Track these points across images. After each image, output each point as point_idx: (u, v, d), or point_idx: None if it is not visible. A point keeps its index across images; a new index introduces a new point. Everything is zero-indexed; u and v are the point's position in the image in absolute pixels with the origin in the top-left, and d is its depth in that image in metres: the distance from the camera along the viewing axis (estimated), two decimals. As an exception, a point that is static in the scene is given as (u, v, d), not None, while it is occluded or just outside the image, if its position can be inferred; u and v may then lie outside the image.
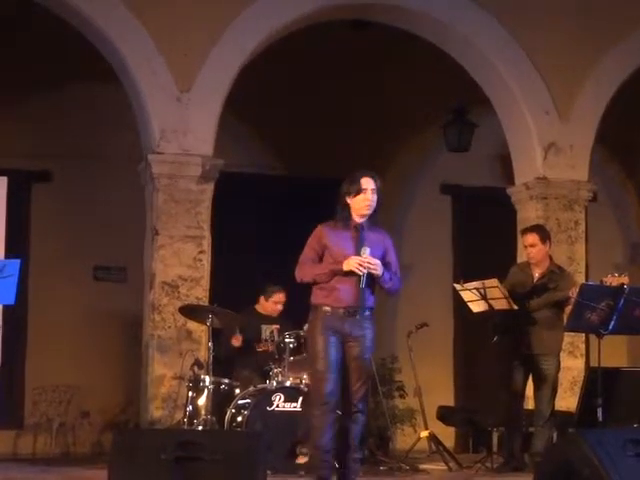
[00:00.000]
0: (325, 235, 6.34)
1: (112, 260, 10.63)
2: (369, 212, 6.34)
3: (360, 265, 6.19)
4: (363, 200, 6.31)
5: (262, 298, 8.85)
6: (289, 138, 11.00)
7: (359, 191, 6.32)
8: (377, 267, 6.23)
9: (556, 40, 9.81)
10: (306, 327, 8.20)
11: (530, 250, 8.20)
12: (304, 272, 6.34)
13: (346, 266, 6.21)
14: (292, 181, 11.07)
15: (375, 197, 6.34)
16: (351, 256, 6.22)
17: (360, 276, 6.22)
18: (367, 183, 6.34)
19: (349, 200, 6.35)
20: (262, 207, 10.93)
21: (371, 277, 6.27)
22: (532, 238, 8.21)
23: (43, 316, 10.36)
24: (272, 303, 8.82)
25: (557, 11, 9.83)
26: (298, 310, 8.67)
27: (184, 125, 8.95)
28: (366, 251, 6.22)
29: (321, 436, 6.21)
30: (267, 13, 9.16)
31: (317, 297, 6.34)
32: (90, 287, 10.60)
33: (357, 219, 6.35)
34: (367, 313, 6.33)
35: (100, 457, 9.12)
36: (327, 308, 6.27)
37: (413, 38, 9.86)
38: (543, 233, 8.29)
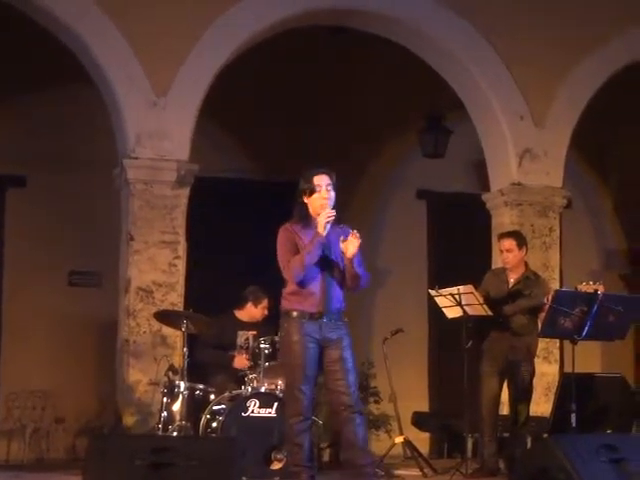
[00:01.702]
0: (295, 233, 6.21)
1: (87, 265, 10.59)
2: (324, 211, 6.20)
3: (331, 214, 6.09)
4: (319, 199, 6.19)
5: (250, 304, 8.77)
6: (265, 142, 11.00)
7: (313, 190, 6.20)
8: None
9: (531, 47, 9.85)
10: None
11: (506, 255, 8.23)
12: (295, 266, 6.12)
13: (321, 227, 6.08)
14: (268, 185, 11.07)
15: (332, 194, 6.21)
16: (321, 251, 6.12)
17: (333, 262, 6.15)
18: (321, 180, 6.21)
19: (306, 200, 6.24)
20: (239, 212, 10.92)
21: (342, 272, 6.20)
22: (509, 243, 8.23)
23: (17, 321, 10.32)
24: (261, 308, 8.79)
25: (532, 18, 9.87)
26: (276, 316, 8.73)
27: (160, 130, 8.93)
28: (329, 206, 6.15)
29: (304, 453, 6.13)
30: (244, 18, 9.16)
31: (291, 303, 6.22)
32: (65, 292, 10.56)
33: (316, 217, 6.20)
34: (341, 315, 6.25)
35: (74, 463, 9.09)
36: (303, 314, 6.17)
37: (389, 44, 9.88)
38: (520, 239, 8.32)
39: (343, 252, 6.18)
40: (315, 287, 6.18)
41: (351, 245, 6.14)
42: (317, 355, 6.18)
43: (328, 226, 6.15)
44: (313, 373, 6.17)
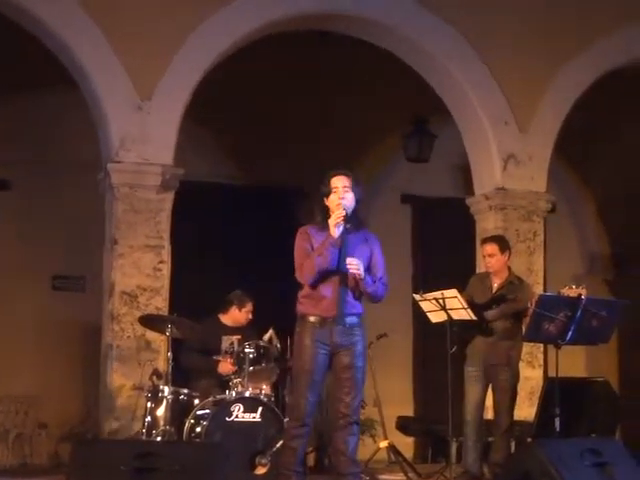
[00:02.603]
0: (311, 236, 6.21)
1: (71, 269, 10.57)
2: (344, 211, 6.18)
3: (339, 215, 6.07)
4: (335, 200, 6.18)
5: (234, 308, 8.77)
6: (250, 147, 11.00)
7: (330, 191, 6.20)
8: (358, 266, 6.10)
9: (516, 53, 9.87)
10: (266, 337, 8.26)
11: (489, 260, 8.23)
12: (307, 268, 6.12)
13: (332, 230, 6.06)
14: (253, 190, 11.08)
15: (350, 195, 6.19)
16: (335, 259, 6.10)
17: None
18: (337, 181, 6.20)
19: (326, 202, 6.23)
20: (222, 216, 10.92)
21: (354, 282, 6.17)
22: (491, 248, 8.23)
23: (0, 326, 10.27)
24: (245, 312, 8.79)
25: (517, 25, 9.89)
26: (260, 320, 8.73)
27: (144, 134, 8.91)
28: (346, 206, 6.12)
29: (297, 459, 6.12)
30: (229, 22, 9.15)
31: (304, 307, 6.21)
32: (48, 296, 10.53)
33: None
34: (355, 320, 6.21)
35: (58, 468, 9.07)
36: (315, 318, 6.14)
37: (373, 47, 9.89)
38: (502, 243, 8.32)
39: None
40: (328, 291, 6.15)
41: (354, 271, 6.13)
42: (327, 361, 6.15)
43: (340, 228, 6.12)
44: (320, 379, 6.14)
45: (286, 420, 7.98)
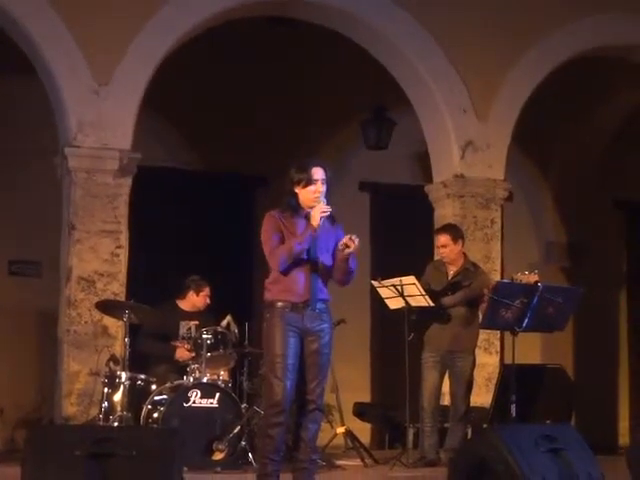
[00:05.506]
0: (280, 221, 6.11)
1: (27, 254, 10.50)
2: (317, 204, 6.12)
3: (325, 209, 6.02)
4: (313, 192, 6.09)
5: (192, 292, 8.74)
6: (207, 133, 10.97)
7: (309, 181, 6.09)
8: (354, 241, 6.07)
9: (475, 42, 9.90)
10: (224, 323, 8.24)
11: (443, 250, 8.25)
12: (283, 254, 6.04)
13: (315, 221, 6.00)
14: (210, 176, 11.06)
15: (325, 188, 6.12)
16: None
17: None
18: (318, 173, 6.10)
19: (297, 190, 6.13)
20: (180, 202, 10.90)
21: (326, 266, 6.13)
22: (444, 238, 8.26)
23: (-44, 311, 10.20)
24: (202, 297, 8.77)
25: (477, 14, 9.92)
26: (217, 306, 8.72)
27: (102, 119, 8.86)
28: (324, 201, 6.07)
29: (275, 447, 6.03)
30: (187, 8, 9.11)
31: (274, 293, 6.13)
32: (4, 281, 10.46)
33: (306, 208, 6.14)
34: (324, 306, 6.17)
35: (13, 454, 9.00)
36: (286, 304, 6.08)
37: (334, 36, 9.89)
38: (455, 233, 8.33)
39: (341, 249, 6.08)
40: (299, 278, 6.09)
41: (352, 246, 6.07)
42: (299, 345, 6.10)
43: (321, 221, 6.07)
44: (294, 363, 6.07)
45: (244, 406, 8.02)
